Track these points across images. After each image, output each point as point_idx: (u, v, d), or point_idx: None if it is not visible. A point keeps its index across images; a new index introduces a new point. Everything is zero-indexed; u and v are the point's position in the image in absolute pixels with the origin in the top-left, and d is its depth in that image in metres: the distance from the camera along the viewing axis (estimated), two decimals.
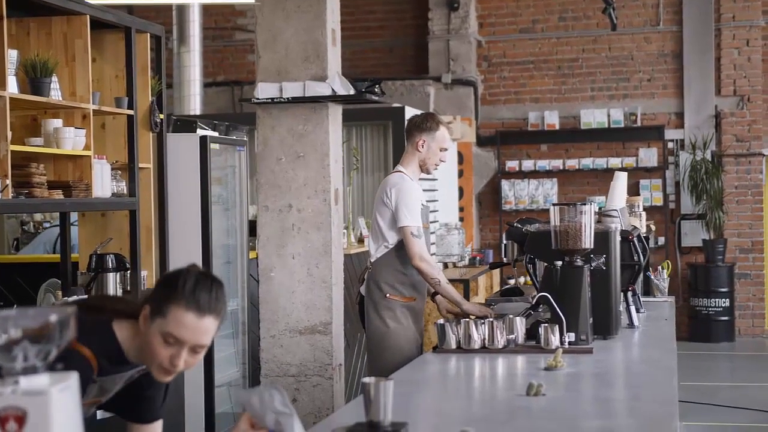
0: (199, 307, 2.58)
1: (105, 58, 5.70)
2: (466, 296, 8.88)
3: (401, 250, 5.19)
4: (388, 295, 5.21)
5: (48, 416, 1.71)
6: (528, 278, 5.83)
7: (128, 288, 5.62)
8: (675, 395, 3.25)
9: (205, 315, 2.59)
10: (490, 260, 10.97)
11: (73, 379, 1.78)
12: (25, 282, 6.45)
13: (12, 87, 4.68)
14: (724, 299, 12.20)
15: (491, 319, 4.30)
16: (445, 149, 5.35)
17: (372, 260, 5.33)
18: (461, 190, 12.34)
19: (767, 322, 12.74)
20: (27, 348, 1.75)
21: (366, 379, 2.70)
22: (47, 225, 8.40)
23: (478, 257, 10.70)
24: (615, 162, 12.55)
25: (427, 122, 5.31)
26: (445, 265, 10.05)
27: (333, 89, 5.57)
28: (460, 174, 12.31)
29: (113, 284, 5.42)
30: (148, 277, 5.87)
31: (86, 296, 5.00)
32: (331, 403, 5.60)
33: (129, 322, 2.70)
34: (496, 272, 10.81)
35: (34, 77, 4.82)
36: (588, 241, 4.37)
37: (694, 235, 12.56)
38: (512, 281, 10.02)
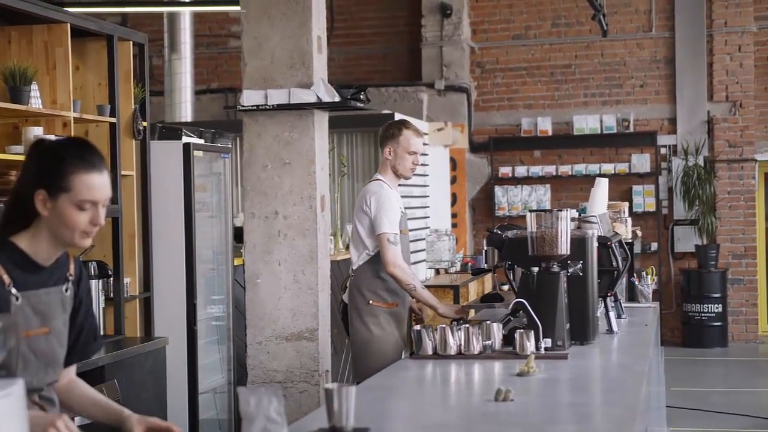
0: (96, 166, 2.71)
1: (88, 66, 5.72)
2: (456, 302, 8.90)
3: None
4: (371, 301, 5.28)
5: None
6: None
7: (111, 295, 5.64)
8: (640, 400, 3.26)
9: (102, 170, 2.73)
10: (481, 267, 10.97)
11: (17, 386, 1.79)
12: None
13: None
14: (717, 305, 12.20)
15: (467, 325, 4.31)
16: (414, 152, 5.38)
17: (354, 267, 5.39)
18: (454, 196, 12.36)
19: (760, 328, 12.75)
20: None
21: (328, 386, 2.73)
22: None
23: (470, 263, 10.71)
24: (608, 168, 12.56)
25: (389, 130, 5.42)
26: (437, 272, 10.06)
27: (318, 96, 5.58)
28: (453, 180, 12.33)
29: (96, 291, 5.43)
30: (131, 284, 5.89)
31: None
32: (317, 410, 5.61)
33: (22, 232, 2.73)
34: (488, 278, 10.81)
35: (13, 85, 4.84)
36: (564, 247, 4.37)
37: (686, 240, 12.57)
38: (506, 287, 10.02)
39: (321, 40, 5.78)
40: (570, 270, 4.46)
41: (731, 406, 8.83)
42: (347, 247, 8.45)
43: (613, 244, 5.01)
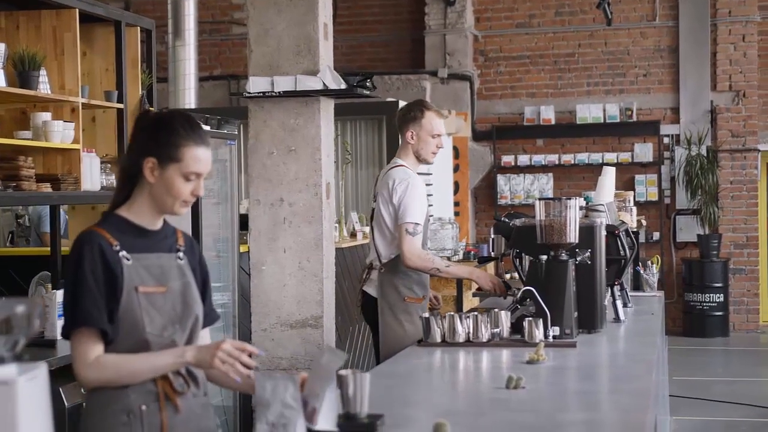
0: (204, 141, 2.88)
1: (95, 52, 5.72)
2: (460, 290, 8.90)
3: None
4: (406, 298, 5.13)
5: (15, 406, 1.73)
6: None
7: None
8: (651, 388, 3.27)
9: (208, 146, 2.90)
10: (485, 255, 10.96)
11: (41, 369, 1.80)
12: (19, 275, 6.47)
13: None
14: (718, 294, 12.22)
15: (476, 313, 4.31)
16: (438, 135, 5.22)
17: (383, 261, 5.21)
18: (457, 185, 12.36)
19: (761, 318, 12.77)
20: None
21: (342, 372, 2.72)
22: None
23: (473, 252, 10.70)
24: (610, 157, 12.56)
25: (411, 112, 5.23)
26: None
27: (324, 83, 5.57)
28: (456, 168, 12.33)
29: None
30: None
31: None
32: None
33: (122, 205, 2.88)
34: (492, 266, 10.82)
35: (22, 70, 4.84)
36: (573, 236, 4.38)
37: (689, 230, 12.58)
38: (508, 276, 10.03)
39: (327, 27, 5.77)
40: (578, 258, 4.46)
41: (732, 396, 8.86)
42: (352, 235, 8.45)
43: (620, 233, 5.01)
